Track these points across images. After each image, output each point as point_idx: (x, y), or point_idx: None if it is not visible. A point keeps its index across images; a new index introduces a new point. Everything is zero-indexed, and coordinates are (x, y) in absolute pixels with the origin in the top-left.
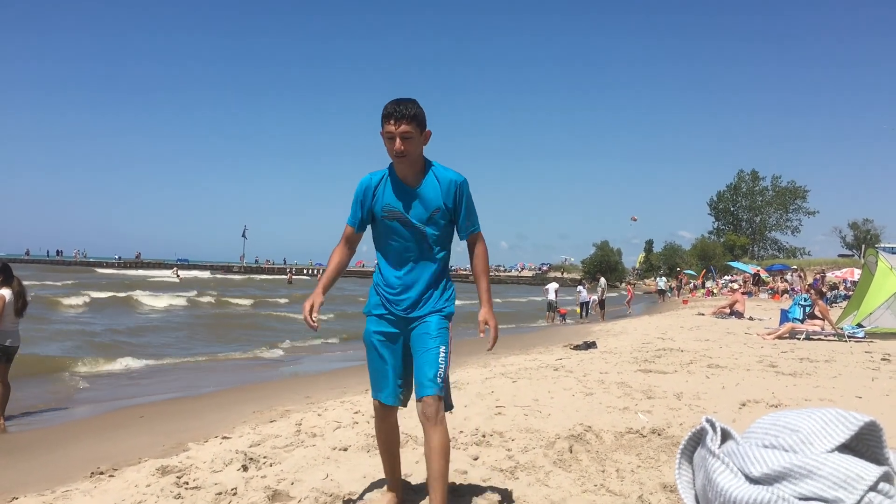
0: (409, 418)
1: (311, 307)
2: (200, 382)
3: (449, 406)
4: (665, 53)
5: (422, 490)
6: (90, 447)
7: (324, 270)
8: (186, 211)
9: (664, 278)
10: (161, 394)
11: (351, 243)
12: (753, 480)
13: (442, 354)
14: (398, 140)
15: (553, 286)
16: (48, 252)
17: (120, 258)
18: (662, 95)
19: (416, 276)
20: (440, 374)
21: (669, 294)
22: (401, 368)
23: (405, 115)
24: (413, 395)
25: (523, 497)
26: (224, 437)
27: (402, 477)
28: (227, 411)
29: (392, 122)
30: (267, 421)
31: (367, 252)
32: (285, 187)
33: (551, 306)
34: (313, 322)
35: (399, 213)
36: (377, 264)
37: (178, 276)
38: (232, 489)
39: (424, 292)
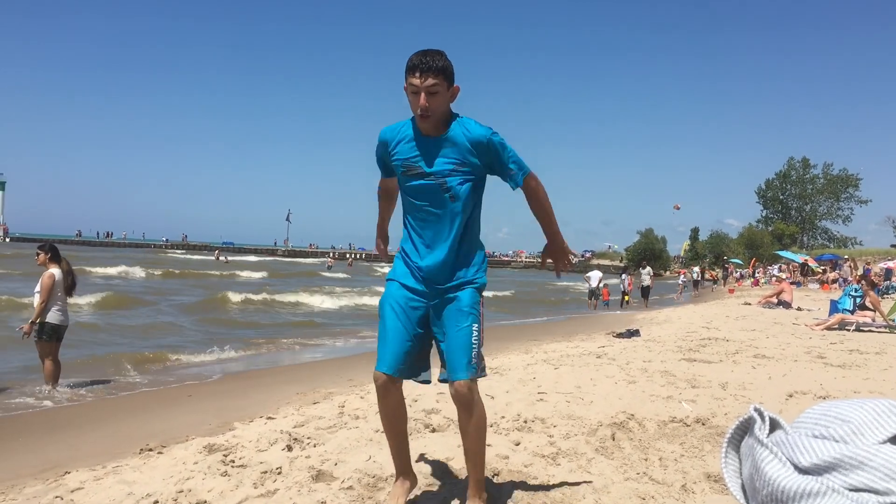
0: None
1: (380, 246)
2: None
3: (482, 374)
4: (717, 40)
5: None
6: (139, 424)
7: (379, 209)
8: (231, 194)
9: (696, 269)
10: (210, 374)
11: (386, 190)
12: (802, 470)
13: (475, 334)
14: (423, 95)
15: (596, 274)
16: (98, 234)
17: (167, 240)
18: (713, 82)
19: (442, 240)
20: (474, 357)
21: (714, 284)
22: (412, 340)
23: (432, 68)
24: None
25: (565, 483)
26: (269, 418)
27: (445, 461)
28: (271, 392)
29: (417, 74)
30: (310, 402)
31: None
32: (330, 171)
33: (594, 293)
34: (387, 255)
35: (419, 169)
36: (403, 230)
37: (226, 259)
38: (277, 468)
39: (453, 260)
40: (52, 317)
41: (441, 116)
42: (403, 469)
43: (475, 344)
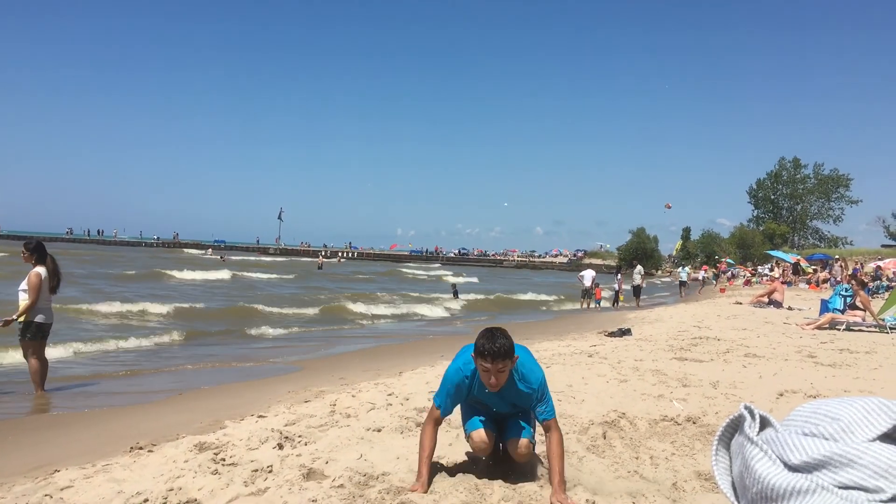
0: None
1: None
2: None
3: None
4: (710, 41)
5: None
6: (130, 423)
7: (420, 456)
8: (222, 192)
9: (686, 269)
10: (198, 377)
11: (437, 424)
12: (792, 468)
13: (534, 419)
14: (494, 376)
15: (589, 273)
16: (88, 232)
17: (158, 238)
18: (705, 83)
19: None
20: (533, 427)
21: (710, 282)
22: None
23: (501, 354)
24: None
25: None
26: (260, 416)
27: (436, 459)
28: (263, 391)
29: (489, 360)
30: (301, 401)
31: (400, 236)
32: (322, 169)
33: (587, 293)
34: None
35: (485, 406)
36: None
37: (223, 258)
38: (268, 466)
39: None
40: (38, 315)
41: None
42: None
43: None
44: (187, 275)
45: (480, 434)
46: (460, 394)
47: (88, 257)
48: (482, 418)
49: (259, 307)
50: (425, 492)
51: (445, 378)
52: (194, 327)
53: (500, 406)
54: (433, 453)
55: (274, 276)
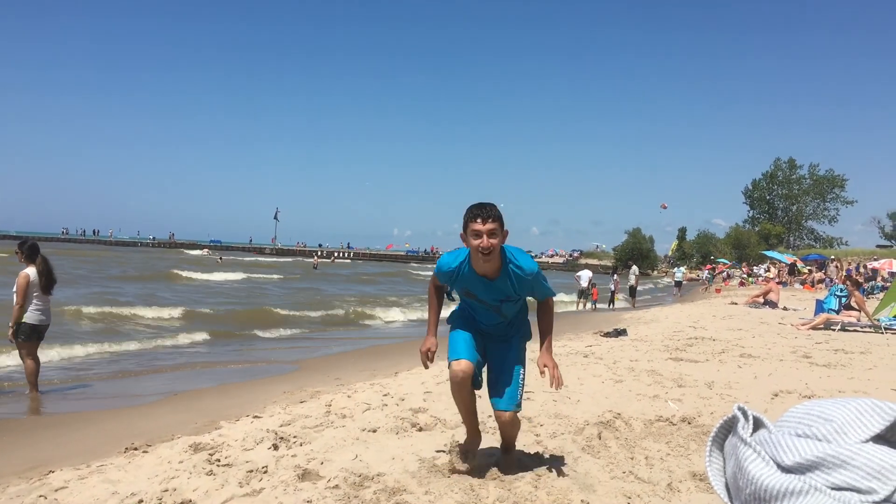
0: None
1: (429, 352)
2: (230, 369)
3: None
4: (702, 40)
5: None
6: (124, 423)
7: (429, 312)
8: (218, 192)
9: (682, 269)
10: (193, 379)
11: (439, 289)
12: (785, 469)
13: (522, 375)
14: (486, 237)
15: (586, 274)
16: (84, 232)
17: (154, 238)
18: (699, 82)
19: (497, 322)
20: (520, 394)
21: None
22: (477, 347)
23: (492, 215)
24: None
25: (551, 482)
26: (255, 417)
27: (433, 458)
28: (258, 391)
29: (479, 220)
30: (297, 401)
31: (396, 236)
32: (319, 169)
33: (583, 293)
34: (429, 362)
35: (475, 296)
36: (460, 304)
37: (220, 259)
38: (263, 467)
39: (507, 327)
40: (29, 316)
41: (498, 254)
42: (474, 431)
43: (522, 383)
44: (200, 275)
45: (460, 364)
46: (451, 276)
47: (90, 258)
48: (467, 351)
49: (279, 311)
50: (436, 346)
51: (439, 262)
52: (217, 328)
53: (491, 295)
54: (440, 308)
55: (276, 276)
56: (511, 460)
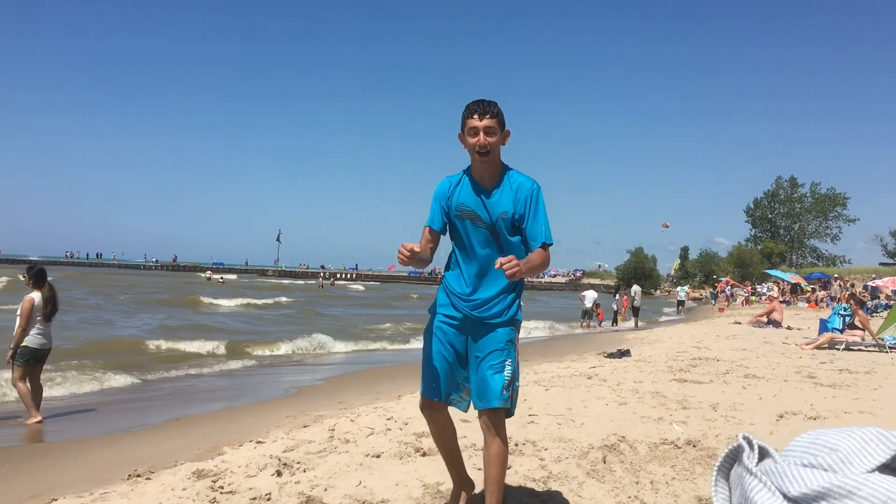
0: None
1: (407, 247)
2: (238, 390)
3: (510, 413)
4: (703, 58)
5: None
6: (127, 450)
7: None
8: (220, 215)
9: (685, 288)
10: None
11: (430, 244)
12: (792, 500)
13: (508, 367)
14: (482, 134)
15: (591, 294)
16: (87, 255)
17: (157, 261)
18: (701, 101)
19: (486, 277)
20: (505, 387)
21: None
22: (452, 368)
23: (489, 111)
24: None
25: None
26: (258, 442)
27: (436, 484)
28: (261, 415)
29: (476, 116)
30: (300, 426)
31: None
32: (320, 192)
33: (588, 314)
34: (406, 252)
35: (471, 212)
36: (448, 263)
37: (221, 280)
38: (266, 494)
39: (494, 296)
40: (30, 340)
41: (496, 157)
42: (458, 480)
43: (507, 376)
44: (232, 301)
45: (423, 401)
46: (449, 190)
47: (100, 280)
48: (433, 382)
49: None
50: (413, 246)
51: (438, 185)
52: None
53: (489, 211)
54: (424, 257)
55: (285, 298)
56: None
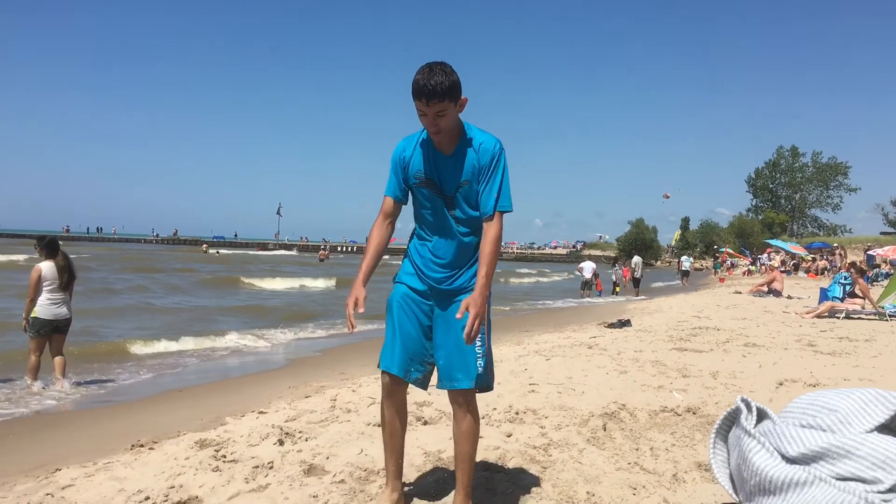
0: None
1: (356, 303)
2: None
3: (489, 387)
4: (707, 31)
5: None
6: (131, 420)
7: (363, 255)
8: (222, 189)
9: (690, 258)
10: (201, 373)
11: (390, 216)
12: (790, 460)
13: (478, 343)
14: (431, 118)
15: (589, 265)
16: (87, 229)
17: (157, 235)
18: (703, 73)
19: (449, 246)
20: (479, 365)
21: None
22: (417, 341)
23: (437, 93)
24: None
25: (557, 474)
26: (260, 412)
27: (437, 452)
28: (263, 386)
29: (423, 100)
30: (302, 396)
31: (400, 229)
32: (321, 165)
33: (587, 284)
34: (354, 324)
35: (429, 180)
36: (412, 233)
37: (217, 253)
38: (268, 463)
39: (459, 265)
40: (41, 311)
41: (452, 130)
42: (395, 474)
43: (479, 351)
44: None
45: (385, 377)
46: (399, 162)
47: (109, 255)
48: (400, 352)
49: None
50: (363, 295)
51: (395, 149)
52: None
53: (450, 177)
54: (379, 252)
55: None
56: None
